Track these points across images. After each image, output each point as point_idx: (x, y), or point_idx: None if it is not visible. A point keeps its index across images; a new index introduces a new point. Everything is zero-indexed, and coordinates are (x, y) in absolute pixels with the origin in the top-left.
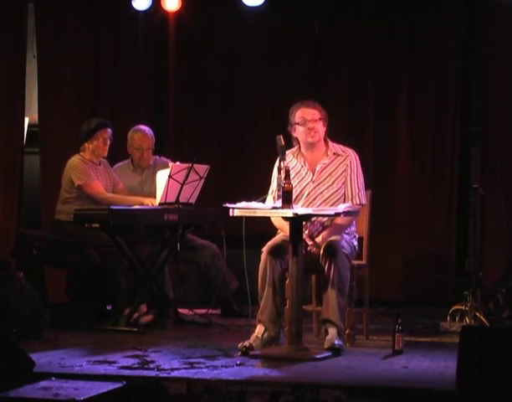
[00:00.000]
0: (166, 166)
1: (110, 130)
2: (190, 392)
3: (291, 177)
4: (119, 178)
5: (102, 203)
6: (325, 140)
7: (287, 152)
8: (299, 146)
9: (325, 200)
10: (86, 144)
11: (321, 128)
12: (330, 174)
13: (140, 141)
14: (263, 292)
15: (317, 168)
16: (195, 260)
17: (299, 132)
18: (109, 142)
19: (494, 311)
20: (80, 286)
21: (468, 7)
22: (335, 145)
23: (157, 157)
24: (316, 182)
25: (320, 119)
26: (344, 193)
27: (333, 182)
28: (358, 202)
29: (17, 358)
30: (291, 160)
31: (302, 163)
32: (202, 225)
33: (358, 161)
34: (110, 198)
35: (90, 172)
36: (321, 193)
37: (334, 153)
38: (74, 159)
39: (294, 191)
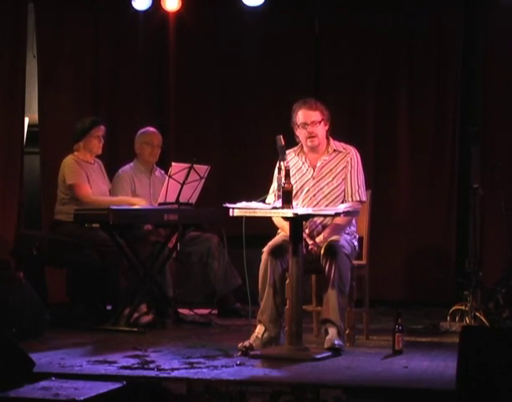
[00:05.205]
0: (161, 180)
1: (103, 127)
2: (190, 392)
3: (292, 173)
4: (128, 183)
5: (87, 205)
6: (326, 137)
7: (289, 151)
8: (301, 144)
9: (325, 196)
10: (81, 143)
11: (321, 130)
12: (331, 171)
13: (151, 137)
14: (263, 293)
15: (318, 165)
16: (198, 251)
17: (299, 134)
18: (103, 140)
19: (494, 311)
20: (80, 286)
21: (468, 7)
22: (336, 142)
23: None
24: (317, 178)
25: (321, 121)
26: (344, 190)
27: (333, 179)
28: (358, 199)
29: (17, 358)
30: (293, 157)
31: (303, 160)
32: (202, 225)
33: (359, 158)
34: (95, 200)
35: (82, 174)
36: (321, 189)
37: (334, 150)
38: (68, 159)
39: (294, 187)
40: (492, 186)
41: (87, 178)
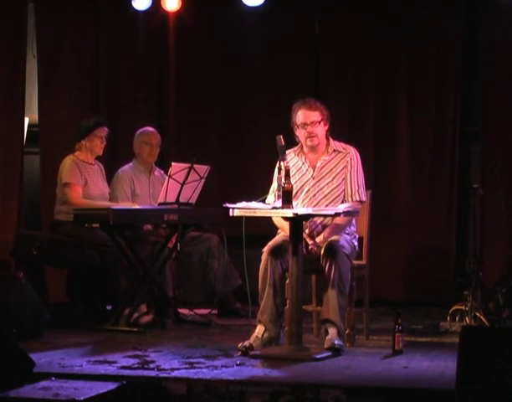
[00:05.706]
0: (161, 179)
1: (106, 128)
2: (190, 392)
3: (292, 173)
4: (127, 183)
5: (76, 207)
6: (326, 137)
7: (289, 151)
8: (301, 144)
9: (325, 196)
10: (83, 142)
11: (321, 130)
12: (331, 171)
13: (149, 137)
14: (263, 293)
15: (317, 165)
16: (198, 251)
17: (299, 134)
18: (105, 141)
19: (494, 311)
20: (80, 286)
21: (468, 7)
22: (336, 142)
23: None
24: (317, 178)
25: (321, 121)
26: (344, 190)
27: (333, 179)
28: (358, 198)
29: (17, 358)
30: (293, 157)
31: (303, 160)
32: (202, 225)
33: (359, 158)
34: (84, 203)
35: (78, 175)
36: (321, 189)
37: (334, 150)
38: (67, 159)
39: (294, 186)
40: (492, 186)
41: (85, 179)
